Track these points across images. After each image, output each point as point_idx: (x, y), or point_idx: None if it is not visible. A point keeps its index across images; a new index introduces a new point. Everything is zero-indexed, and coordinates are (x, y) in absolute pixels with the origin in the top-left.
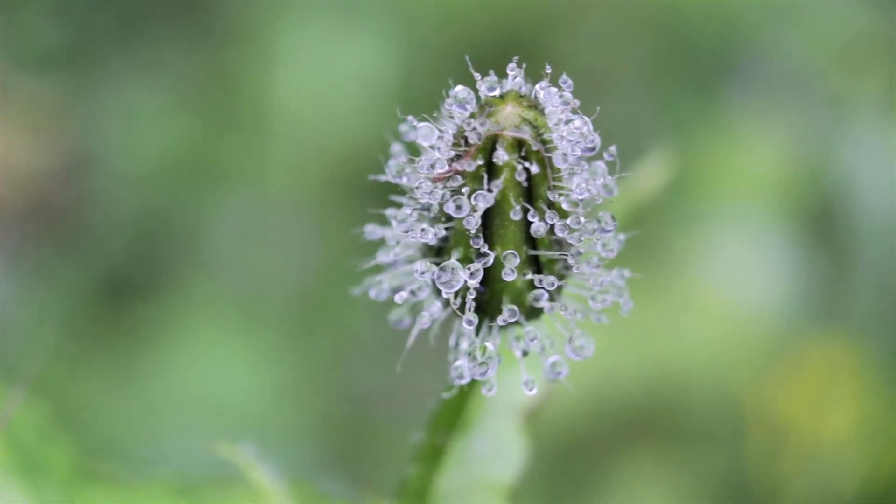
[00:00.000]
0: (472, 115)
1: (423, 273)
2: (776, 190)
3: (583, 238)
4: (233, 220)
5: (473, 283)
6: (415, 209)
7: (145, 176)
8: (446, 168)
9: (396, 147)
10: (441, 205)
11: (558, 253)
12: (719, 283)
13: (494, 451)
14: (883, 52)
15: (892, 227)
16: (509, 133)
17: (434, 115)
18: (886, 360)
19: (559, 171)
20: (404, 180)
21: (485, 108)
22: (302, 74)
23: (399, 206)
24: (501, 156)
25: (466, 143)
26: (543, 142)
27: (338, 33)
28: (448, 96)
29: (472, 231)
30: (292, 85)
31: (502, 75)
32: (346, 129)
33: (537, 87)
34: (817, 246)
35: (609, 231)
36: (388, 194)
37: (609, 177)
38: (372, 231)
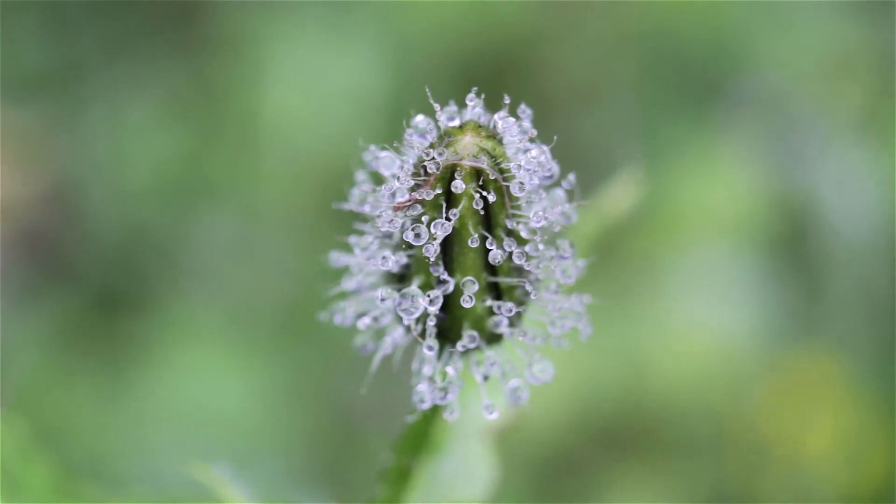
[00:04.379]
0: (432, 145)
1: (384, 300)
2: (755, 210)
3: (541, 265)
4: (221, 234)
5: (433, 309)
6: (377, 237)
7: (134, 192)
8: (406, 197)
9: (360, 175)
10: (402, 233)
11: (517, 279)
12: (700, 301)
13: (463, 472)
14: (864, 71)
15: (867, 243)
16: (467, 163)
17: (395, 144)
18: (866, 376)
19: (517, 199)
20: (367, 208)
21: (444, 137)
22: (292, 88)
23: (362, 233)
24: (459, 185)
25: (426, 172)
26: (501, 171)
27: (328, 46)
28: (409, 125)
29: (432, 258)
30: (282, 98)
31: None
32: (335, 142)
33: (496, 116)
34: (796, 264)
35: (567, 258)
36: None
37: (567, 204)
38: (336, 258)
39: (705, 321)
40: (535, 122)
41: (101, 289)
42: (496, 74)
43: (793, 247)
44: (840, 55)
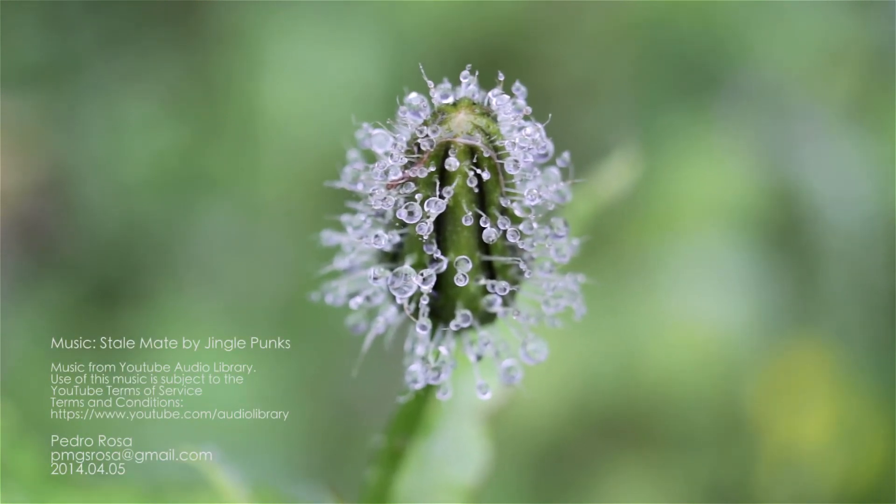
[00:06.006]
0: (426, 122)
1: (376, 279)
2: (750, 200)
3: (535, 243)
4: (219, 228)
5: (426, 288)
6: (369, 215)
7: (131, 184)
8: (400, 174)
9: (353, 154)
10: (395, 211)
11: (511, 258)
12: (696, 292)
13: (455, 454)
14: (858, 63)
15: (862, 233)
16: (461, 140)
17: (388, 122)
18: (862, 366)
19: (511, 177)
20: (360, 187)
21: (438, 115)
22: (290, 82)
23: (354, 212)
24: (453, 162)
25: (419, 149)
26: (495, 148)
27: (327, 41)
28: (403, 103)
29: (425, 237)
30: (280, 92)
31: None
32: (334, 136)
33: (490, 94)
34: (791, 255)
35: (561, 237)
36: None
37: (562, 183)
38: (328, 237)
39: (701, 311)
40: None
41: (97, 281)
42: (493, 67)
43: (788, 237)
44: (834, 47)
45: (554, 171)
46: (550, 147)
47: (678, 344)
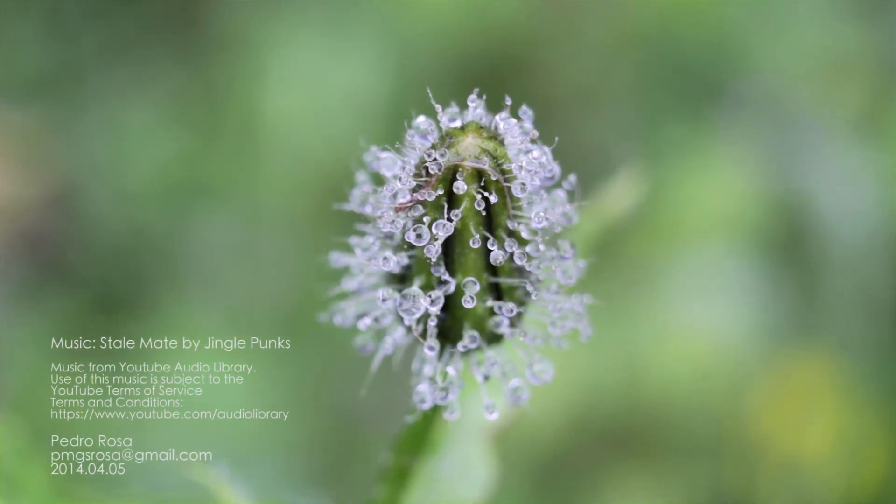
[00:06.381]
0: (434, 146)
1: (385, 300)
2: (753, 211)
3: (542, 265)
4: (222, 236)
5: (434, 310)
6: (378, 238)
7: (134, 193)
8: (408, 197)
9: (361, 176)
10: (403, 233)
11: (518, 280)
12: (698, 302)
13: (462, 472)
14: (861, 72)
15: (865, 244)
16: (469, 163)
17: (396, 145)
18: (864, 377)
19: (518, 200)
20: (368, 209)
21: (445, 138)
22: (293, 90)
23: (363, 234)
24: (461, 186)
25: (427, 173)
26: (503, 172)
27: (329, 49)
28: (410, 126)
29: (433, 259)
30: (283, 101)
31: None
32: (336, 145)
33: (497, 117)
34: (794, 266)
35: (567, 259)
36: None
37: (568, 205)
38: (337, 259)
39: (703, 322)
40: (535, 125)
41: (100, 290)
42: (496, 77)
43: (790, 247)
44: (837, 56)
45: (560, 194)
46: (557, 170)
47: (681, 354)
